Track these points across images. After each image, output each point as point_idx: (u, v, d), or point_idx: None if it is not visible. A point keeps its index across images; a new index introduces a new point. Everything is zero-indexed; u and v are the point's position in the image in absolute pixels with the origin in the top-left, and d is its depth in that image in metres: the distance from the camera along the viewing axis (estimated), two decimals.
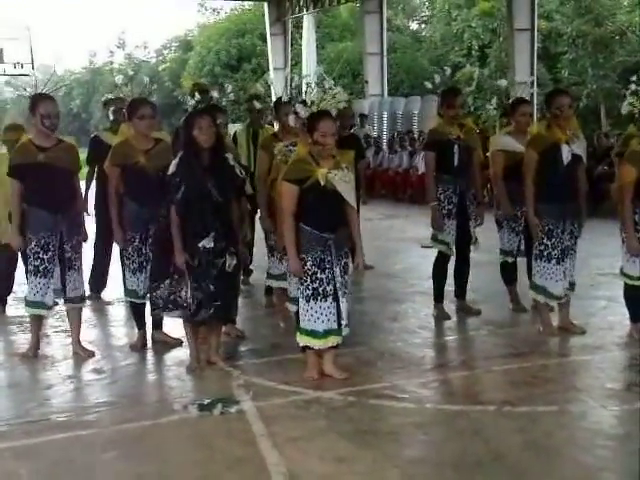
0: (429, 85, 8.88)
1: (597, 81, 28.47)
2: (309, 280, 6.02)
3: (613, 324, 7.56)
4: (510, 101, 8.44)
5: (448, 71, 9.40)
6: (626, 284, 7.20)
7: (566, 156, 7.17)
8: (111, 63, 50.23)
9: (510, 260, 8.20)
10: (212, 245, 6.26)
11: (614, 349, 7.06)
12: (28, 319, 7.38)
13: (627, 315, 7.33)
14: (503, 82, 11.52)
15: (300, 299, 6.15)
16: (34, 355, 6.99)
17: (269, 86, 9.42)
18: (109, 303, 9.15)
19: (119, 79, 8.13)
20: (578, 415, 5.58)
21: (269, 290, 8.32)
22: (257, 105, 8.83)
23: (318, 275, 6.01)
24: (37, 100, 6.93)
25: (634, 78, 7.14)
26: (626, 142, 7.29)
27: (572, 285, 7.44)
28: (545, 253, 7.29)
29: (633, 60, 24.56)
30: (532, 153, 7.29)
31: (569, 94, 7.71)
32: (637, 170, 6.85)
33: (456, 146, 7.77)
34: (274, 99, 8.43)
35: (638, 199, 6.91)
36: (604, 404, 5.75)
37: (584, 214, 7.46)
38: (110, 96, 9.50)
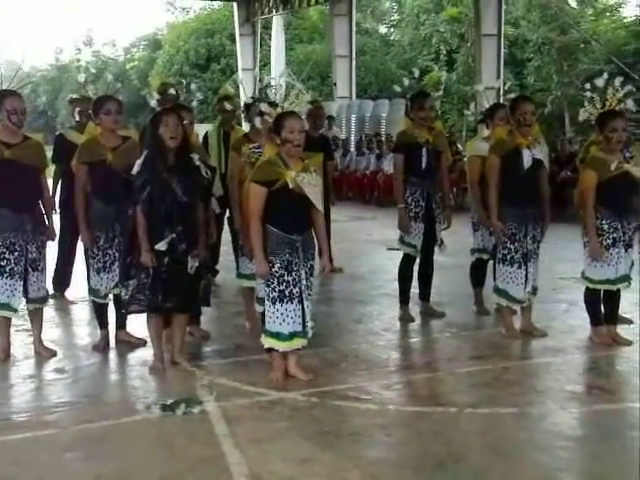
0: (398, 89, 8.94)
1: (562, 88, 28.70)
2: (276, 282, 6.04)
3: (574, 327, 7.64)
4: (488, 107, 8.50)
5: (416, 74, 9.46)
6: (587, 288, 7.28)
7: (527, 161, 7.26)
8: (78, 60, 49.86)
9: (485, 257, 8.21)
10: (165, 248, 6.25)
11: (574, 352, 7.15)
12: None
13: (588, 319, 7.39)
14: (479, 87, 11.60)
15: (266, 301, 6.16)
16: (5, 357, 6.90)
17: (238, 87, 9.42)
18: (73, 302, 9.12)
19: (82, 77, 8.10)
20: (538, 417, 5.63)
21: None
22: (228, 106, 8.82)
23: (285, 277, 6.03)
24: (3, 96, 6.87)
25: (588, 86, 7.24)
26: (588, 148, 7.37)
27: (534, 289, 7.50)
28: (508, 257, 7.38)
29: (597, 68, 24.74)
30: (494, 158, 7.39)
31: (532, 101, 7.82)
32: (598, 175, 6.95)
33: (424, 149, 7.82)
34: (243, 99, 8.45)
35: (600, 204, 6.99)
36: (564, 406, 5.82)
37: (547, 218, 7.53)
38: (75, 95, 9.50)
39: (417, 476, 4.66)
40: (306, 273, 6.13)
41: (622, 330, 7.34)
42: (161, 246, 6.24)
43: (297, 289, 6.07)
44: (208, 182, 6.90)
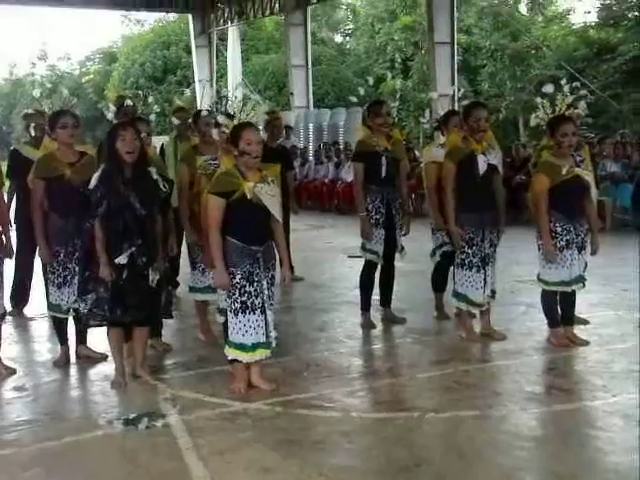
0: (354, 99, 9.01)
1: (515, 93, 28.98)
2: (237, 293, 6.04)
3: (532, 329, 7.72)
4: (443, 114, 8.58)
5: (372, 82, 9.52)
6: (543, 290, 7.37)
7: (482, 166, 7.35)
8: (32, 75, 49.64)
9: (449, 249, 8.11)
10: (126, 261, 6.26)
11: (533, 354, 7.22)
12: None
13: (545, 321, 7.48)
14: (433, 94, 11.70)
15: (228, 313, 6.16)
16: None
17: (194, 98, 9.41)
18: (31, 319, 9.07)
19: (37, 92, 8.09)
20: (498, 419, 5.69)
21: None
22: (175, 121, 8.77)
23: (247, 288, 6.03)
24: None
25: (546, 90, 7.33)
26: (540, 153, 7.47)
27: (493, 292, 7.60)
28: (466, 261, 7.46)
29: (548, 73, 25.01)
30: (449, 164, 7.46)
31: (486, 107, 7.90)
32: (550, 179, 7.05)
33: (383, 157, 7.87)
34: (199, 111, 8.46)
35: (553, 207, 7.09)
36: (523, 407, 5.88)
37: (503, 222, 7.64)
38: (30, 110, 9.47)
39: None
40: (267, 283, 6.15)
41: (579, 331, 7.45)
42: (121, 259, 6.24)
43: (259, 299, 6.07)
44: (166, 195, 6.92)
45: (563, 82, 7.32)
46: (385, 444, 5.37)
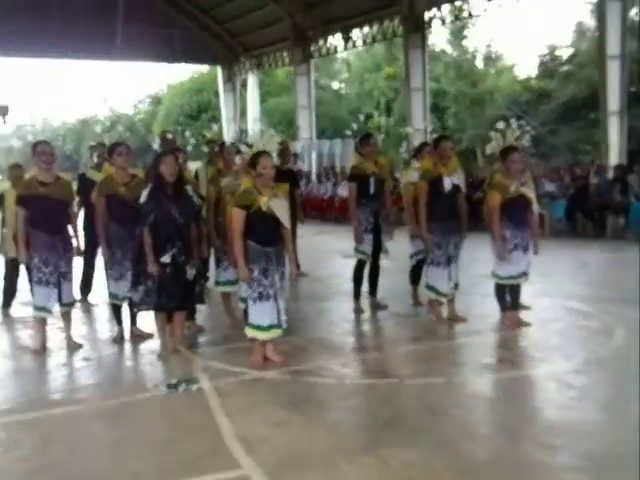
0: (348, 132, 9.03)
1: (474, 129, 28.93)
2: (256, 285, 6.02)
3: (488, 314, 7.65)
4: (417, 145, 8.55)
5: (362, 119, 9.48)
6: (496, 283, 7.35)
7: (447, 185, 7.37)
8: (96, 116, 49.75)
9: (423, 256, 8.08)
10: (169, 261, 6.27)
11: (488, 333, 7.20)
12: (31, 319, 7.31)
13: (497, 307, 7.45)
14: (409, 129, 11.67)
15: (248, 300, 6.13)
16: (44, 350, 6.90)
17: (221, 132, 9.38)
18: (95, 305, 9.05)
19: (99, 129, 8.13)
20: (460, 384, 5.67)
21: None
22: (205, 149, 8.65)
23: (263, 281, 6.01)
24: (36, 145, 7.06)
25: (498, 126, 7.31)
26: (493, 175, 7.46)
27: (456, 285, 7.58)
28: (435, 260, 7.47)
29: (499, 113, 25.01)
30: (423, 184, 7.49)
31: (451, 139, 7.92)
32: (501, 196, 7.07)
33: (372, 178, 7.86)
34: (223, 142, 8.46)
35: (504, 218, 7.09)
36: (479, 374, 5.89)
37: (464, 230, 7.60)
38: (94, 143, 9.53)
39: (368, 433, 4.66)
40: (279, 277, 6.12)
41: (523, 314, 7.41)
42: (165, 258, 6.29)
43: (272, 290, 6.05)
44: (199, 207, 6.93)
45: (512, 120, 7.34)
46: (371, 404, 5.37)
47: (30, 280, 7.09)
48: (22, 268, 8.21)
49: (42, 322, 7.02)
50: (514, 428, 4.76)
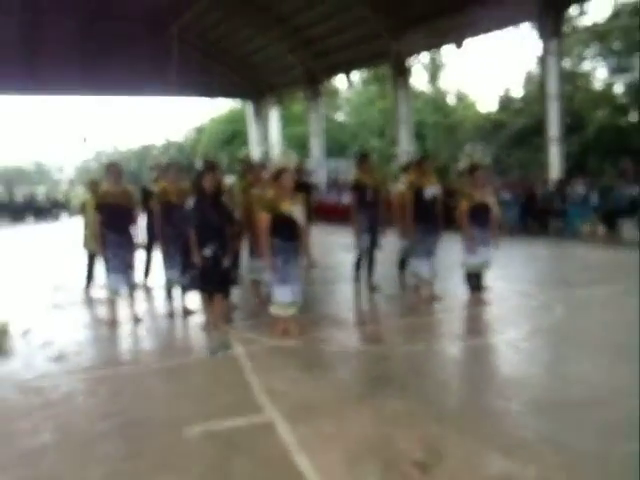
0: (350, 153, 9.03)
1: (447, 151, 28.77)
2: (278, 272, 6.02)
3: (459, 295, 7.61)
4: (405, 163, 8.54)
5: (360, 142, 9.46)
6: (465, 271, 7.35)
7: (427, 195, 7.37)
8: (154, 143, 49.94)
9: (405, 256, 8.14)
10: (210, 254, 6.25)
11: (459, 310, 7.16)
12: (106, 299, 7.33)
13: (466, 289, 7.43)
14: (399, 150, 11.66)
15: (273, 284, 6.13)
16: (115, 322, 6.93)
17: (250, 153, 9.37)
18: (153, 288, 9.06)
19: (157, 152, 8.19)
20: (438, 350, 5.64)
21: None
22: (238, 167, 8.61)
23: (284, 269, 6.01)
24: (110, 166, 7.07)
25: (468, 151, 7.32)
26: (462, 187, 7.45)
27: (435, 272, 7.55)
28: (418, 253, 7.45)
29: (467, 139, 24.95)
30: (409, 193, 7.47)
31: (430, 158, 7.92)
32: (469, 203, 7.06)
33: (369, 189, 7.86)
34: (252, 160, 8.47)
35: (471, 220, 7.08)
36: (452, 342, 5.87)
37: (441, 229, 7.58)
38: (152, 165, 9.58)
39: (365, 387, 4.67)
40: (297, 266, 6.11)
41: (485, 295, 7.39)
42: (207, 252, 6.26)
43: (291, 276, 6.04)
44: (231, 213, 6.90)
45: (476, 145, 7.34)
46: (368, 365, 5.35)
47: (105, 269, 7.12)
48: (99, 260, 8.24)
49: (114, 301, 7.05)
50: (478, 383, 4.77)
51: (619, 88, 26.04)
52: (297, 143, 29.74)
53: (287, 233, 6.01)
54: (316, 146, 26.30)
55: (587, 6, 15.36)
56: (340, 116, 41.81)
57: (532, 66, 28.75)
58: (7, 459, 3.71)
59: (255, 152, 28.87)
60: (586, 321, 6.39)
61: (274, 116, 29.81)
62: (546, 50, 15.97)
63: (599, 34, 24.24)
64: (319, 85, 25.83)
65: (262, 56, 26.49)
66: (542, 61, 16.69)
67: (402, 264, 8.39)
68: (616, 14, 15.56)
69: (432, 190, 7.39)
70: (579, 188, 14.42)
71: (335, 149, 30.90)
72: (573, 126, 22.39)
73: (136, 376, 5.19)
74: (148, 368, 5.38)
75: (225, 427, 3.98)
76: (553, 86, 16.02)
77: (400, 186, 8.22)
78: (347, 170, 22.58)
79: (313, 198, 13.91)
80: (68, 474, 3.49)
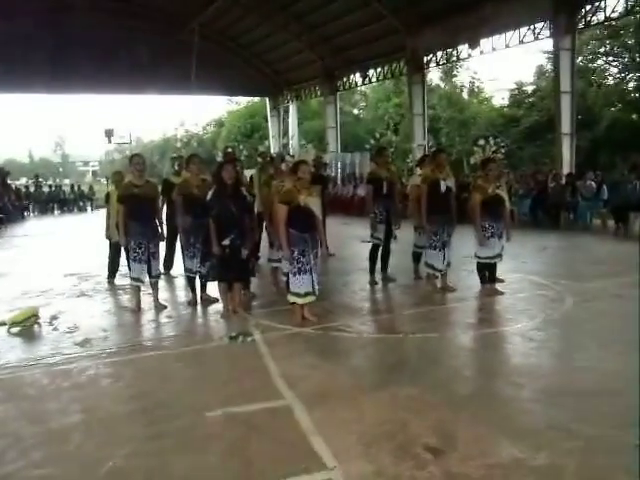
0: (366, 146, 9.03)
1: (461, 145, 28.53)
2: (295, 262, 6.03)
3: (471, 286, 7.57)
4: (419, 157, 8.49)
5: (377, 137, 9.45)
6: (477, 262, 7.30)
7: (443, 187, 7.31)
8: (175, 135, 49.94)
9: (420, 251, 8.12)
10: (228, 243, 6.29)
11: (471, 300, 7.14)
12: (129, 287, 7.41)
13: (479, 280, 7.39)
14: (413, 145, 11.60)
15: (290, 274, 6.15)
16: (138, 309, 6.99)
17: (269, 147, 9.39)
18: (175, 277, 9.11)
19: (179, 144, 8.22)
20: (451, 338, 5.65)
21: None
22: (259, 160, 8.68)
23: (301, 259, 6.02)
24: (132, 157, 7.10)
25: (479, 143, 7.26)
26: (475, 180, 7.41)
27: (449, 263, 7.50)
28: (433, 244, 7.40)
29: (481, 133, 24.75)
30: (424, 186, 7.42)
31: (445, 151, 7.88)
32: (481, 196, 7.01)
33: (385, 182, 7.79)
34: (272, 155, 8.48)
35: (484, 212, 7.03)
36: (465, 331, 5.87)
37: (454, 221, 7.53)
38: (175, 155, 9.58)
39: (380, 374, 4.69)
40: (313, 256, 6.12)
41: (498, 286, 7.35)
42: (226, 242, 6.31)
43: (308, 266, 6.05)
44: (250, 204, 6.90)
45: (490, 139, 7.29)
46: (383, 353, 5.37)
47: (128, 258, 7.17)
48: (122, 249, 8.30)
49: (137, 289, 7.10)
50: (490, 371, 4.76)
51: (631, 84, 25.75)
52: (314, 137, 29.70)
53: (304, 224, 6.01)
54: (332, 140, 26.22)
55: (602, 2, 14.94)
56: (356, 111, 41.69)
57: (543, 61, 28.47)
58: (38, 437, 3.77)
59: (273, 146, 28.89)
60: (596, 312, 6.34)
61: (292, 111, 29.75)
62: (559, 46, 15.77)
63: (613, 30, 23.93)
64: (336, 81, 25.73)
65: (280, 52, 26.42)
66: (555, 56, 16.50)
67: (416, 256, 8.36)
68: (630, 10, 15.29)
69: (447, 183, 7.35)
70: (590, 182, 14.30)
71: (351, 143, 30.81)
72: (585, 121, 22.17)
73: (159, 361, 5.23)
74: (170, 353, 5.42)
75: (244, 410, 4.01)
76: (566, 82, 15.82)
77: (416, 179, 8.19)
78: (362, 164, 22.53)
79: (329, 191, 13.94)
80: (94, 453, 3.54)
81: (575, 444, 3.42)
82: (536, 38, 16.90)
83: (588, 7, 15.24)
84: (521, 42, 17.28)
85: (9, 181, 26.77)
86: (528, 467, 3.20)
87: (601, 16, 15.31)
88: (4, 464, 3.44)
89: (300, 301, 6.14)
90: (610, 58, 26.29)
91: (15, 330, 6.29)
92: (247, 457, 3.41)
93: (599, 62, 26.80)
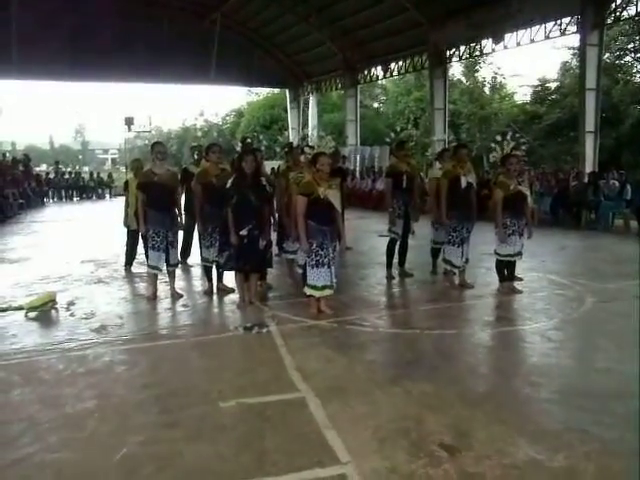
0: (387, 139, 8.97)
1: (482, 141, 28.29)
2: (314, 255, 6.02)
3: (489, 283, 7.52)
4: (438, 150, 8.42)
5: (398, 131, 9.40)
6: (497, 259, 7.22)
7: (463, 183, 7.25)
8: (195, 125, 49.98)
9: (438, 247, 8.11)
10: (246, 233, 6.28)
11: (489, 297, 7.08)
12: (146, 275, 7.44)
13: (497, 277, 7.32)
14: (434, 139, 11.49)
15: (307, 266, 6.13)
16: (154, 298, 7.02)
17: (288, 138, 9.36)
18: (191, 266, 9.13)
19: (199, 133, 8.23)
20: (467, 335, 5.61)
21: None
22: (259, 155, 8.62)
23: (319, 252, 6.01)
24: (154, 145, 7.10)
25: (498, 139, 7.18)
26: (497, 176, 7.32)
27: (467, 260, 7.45)
28: (452, 240, 7.35)
29: (502, 130, 24.55)
30: (444, 180, 7.37)
31: (467, 147, 7.80)
32: (503, 192, 6.92)
33: (404, 175, 7.74)
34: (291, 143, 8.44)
35: (504, 209, 6.96)
36: (482, 328, 5.82)
37: (474, 218, 7.45)
38: (194, 144, 9.58)
39: (395, 369, 4.65)
40: (332, 249, 6.09)
41: (516, 284, 7.29)
42: (244, 232, 6.30)
43: (326, 259, 6.03)
44: (270, 195, 6.88)
45: (509, 135, 7.22)
46: (398, 348, 5.34)
47: (146, 246, 7.19)
48: (139, 237, 8.33)
49: (154, 277, 7.13)
50: (507, 369, 4.71)
51: None
52: (334, 130, 29.63)
53: (323, 217, 5.98)
54: (352, 133, 26.15)
55: None
56: (376, 105, 41.50)
57: (568, 57, 28.13)
58: (54, 421, 3.80)
59: (293, 138, 28.86)
60: (616, 313, 6.25)
61: (312, 103, 29.69)
62: (586, 41, 15.50)
63: None
64: (357, 74, 25.61)
65: (301, 44, 26.33)
66: (581, 52, 16.24)
67: (435, 252, 8.31)
68: None
69: (468, 179, 7.27)
70: (613, 182, 14.11)
71: (371, 137, 30.68)
72: (609, 119, 21.87)
73: (174, 349, 5.25)
74: (186, 342, 5.44)
75: (258, 401, 4.01)
76: (592, 79, 15.56)
77: (435, 172, 8.12)
78: (381, 157, 22.42)
79: (347, 184, 13.87)
80: (108, 439, 3.55)
81: (593, 447, 3.37)
82: (562, 33, 16.66)
83: (618, 1, 14.93)
84: (547, 37, 17.04)
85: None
86: (545, 468, 3.16)
87: (632, 11, 14.98)
88: (20, 447, 3.47)
89: (317, 294, 6.12)
90: (639, 55, 25.88)
91: (32, 315, 6.35)
92: (260, 449, 3.40)
93: (627, 59, 26.41)
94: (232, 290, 7.12)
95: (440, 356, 4.96)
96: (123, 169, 31.93)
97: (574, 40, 20.24)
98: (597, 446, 3.38)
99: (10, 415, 3.91)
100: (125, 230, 9.11)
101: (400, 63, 23.51)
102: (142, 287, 7.70)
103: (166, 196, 6.90)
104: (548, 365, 4.72)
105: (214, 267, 7.25)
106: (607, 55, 23.71)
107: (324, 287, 6.08)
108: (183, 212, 8.26)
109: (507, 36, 17.92)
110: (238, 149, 7.54)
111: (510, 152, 7.02)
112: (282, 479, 3.10)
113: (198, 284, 7.94)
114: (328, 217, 6.01)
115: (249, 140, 8.18)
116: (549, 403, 3.99)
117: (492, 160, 7.44)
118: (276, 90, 38.46)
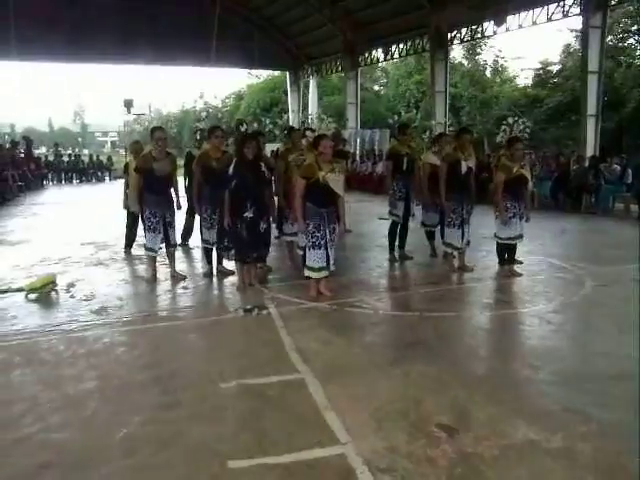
0: (387, 123, 8.94)
1: (482, 125, 28.15)
2: (311, 236, 6.03)
3: (489, 266, 7.54)
4: (436, 134, 8.39)
5: (402, 112, 9.35)
6: (497, 242, 7.23)
7: (464, 168, 7.23)
8: (194, 107, 49.68)
9: (429, 229, 8.18)
10: (251, 215, 6.29)
11: (489, 280, 7.09)
12: (145, 257, 7.43)
13: (496, 261, 7.35)
14: (434, 122, 11.45)
15: (306, 248, 6.15)
16: (154, 280, 7.04)
17: (288, 120, 9.30)
18: (192, 248, 9.14)
19: (203, 115, 8.20)
20: (467, 317, 5.63)
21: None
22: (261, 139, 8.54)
23: (316, 234, 6.01)
24: (154, 130, 7.05)
25: (505, 122, 7.16)
26: (499, 158, 7.29)
27: (468, 242, 7.47)
28: (451, 223, 7.35)
29: (503, 113, 24.34)
30: (444, 164, 7.34)
31: (469, 131, 7.79)
32: (505, 175, 6.91)
33: (405, 158, 7.75)
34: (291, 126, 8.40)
35: (506, 192, 6.95)
36: (481, 311, 5.84)
37: (474, 200, 7.46)
38: (196, 125, 9.55)
39: (395, 351, 4.67)
40: (330, 232, 6.09)
41: (516, 267, 7.29)
42: (248, 214, 6.31)
43: (324, 241, 6.04)
44: (270, 178, 6.86)
45: (511, 119, 7.20)
46: (398, 330, 5.35)
47: (144, 228, 7.19)
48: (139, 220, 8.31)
49: (153, 259, 7.14)
50: (506, 352, 4.73)
51: None
52: (334, 112, 29.47)
53: (322, 199, 5.98)
54: (352, 116, 26.01)
55: None
56: (377, 87, 41.26)
57: (570, 39, 27.91)
58: (55, 402, 3.82)
59: (293, 120, 28.70)
60: (615, 296, 6.26)
61: (312, 86, 29.51)
62: (589, 24, 15.37)
63: None
64: (357, 56, 25.44)
65: (302, 26, 26.12)
66: (583, 35, 16.11)
67: (430, 234, 8.32)
68: None
69: (468, 163, 7.26)
70: (614, 165, 14.07)
71: (371, 120, 30.52)
72: (611, 103, 21.73)
73: (174, 330, 5.27)
74: (186, 324, 5.45)
75: (258, 382, 4.02)
76: (594, 62, 15.44)
77: (430, 156, 8.09)
78: (382, 140, 22.31)
79: (347, 168, 13.81)
80: (109, 419, 3.57)
81: (591, 428, 3.39)
82: (565, 15, 16.51)
83: None
84: (549, 19, 16.89)
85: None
86: (543, 449, 3.18)
87: None
88: (22, 427, 3.49)
89: (314, 275, 6.13)
90: None
91: (33, 296, 6.36)
92: (260, 429, 3.42)
93: (630, 41, 26.21)
94: (232, 272, 7.13)
95: (439, 338, 4.97)
96: (122, 152, 31.82)
97: (577, 22, 20.02)
98: (595, 427, 3.40)
99: (12, 396, 3.93)
100: (125, 212, 9.10)
101: (401, 45, 23.34)
102: (142, 269, 7.71)
103: (164, 179, 6.88)
104: (547, 347, 4.73)
105: (214, 249, 7.25)
106: (610, 37, 23.53)
107: (321, 269, 6.09)
108: (186, 194, 8.26)
109: (509, 18, 17.78)
110: (241, 131, 7.50)
111: (517, 136, 7.02)
112: (282, 459, 3.11)
113: (198, 266, 7.95)
114: (327, 200, 6.01)
115: (244, 126, 8.14)
116: (547, 385, 4.01)
117: (498, 141, 7.44)
118: (276, 73, 38.23)
